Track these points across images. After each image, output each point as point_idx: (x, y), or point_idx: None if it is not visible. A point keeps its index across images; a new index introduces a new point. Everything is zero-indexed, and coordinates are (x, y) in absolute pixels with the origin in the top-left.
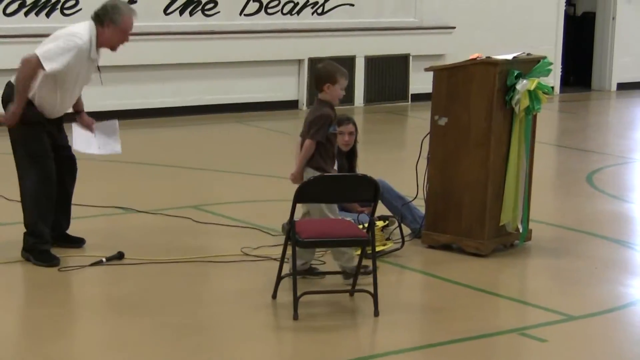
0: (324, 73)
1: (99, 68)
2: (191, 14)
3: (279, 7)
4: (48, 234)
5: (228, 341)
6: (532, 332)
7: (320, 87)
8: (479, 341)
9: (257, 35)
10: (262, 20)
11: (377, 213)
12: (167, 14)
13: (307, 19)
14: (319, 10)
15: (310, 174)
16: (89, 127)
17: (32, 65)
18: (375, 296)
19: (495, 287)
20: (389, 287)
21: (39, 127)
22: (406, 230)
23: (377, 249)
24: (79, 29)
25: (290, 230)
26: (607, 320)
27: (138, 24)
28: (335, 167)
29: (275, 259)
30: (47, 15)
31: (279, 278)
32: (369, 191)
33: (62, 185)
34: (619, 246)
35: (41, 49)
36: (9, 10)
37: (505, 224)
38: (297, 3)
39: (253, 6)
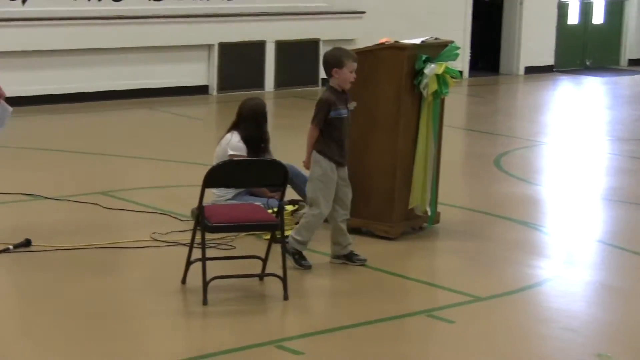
0: (330, 58)
1: None
2: None
3: None
4: None
5: (137, 327)
6: (440, 314)
7: (329, 73)
8: (388, 323)
9: (167, 20)
10: (172, 5)
11: (287, 197)
12: None
13: (217, 3)
14: None
15: (319, 160)
16: None
17: None
18: (284, 280)
19: (404, 269)
20: (299, 271)
21: None
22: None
23: (287, 233)
24: None
25: (199, 215)
26: (513, 300)
27: (46, 9)
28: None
29: (185, 245)
30: None
31: (188, 263)
32: (278, 176)
33: None
34: (526, 228)
35: None
36: None
37: (414, 207)
38: None
39: None
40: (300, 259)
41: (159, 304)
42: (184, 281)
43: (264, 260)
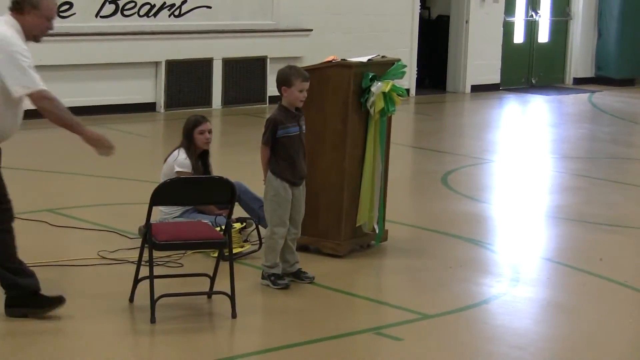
0: (279, 76)
1: None
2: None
3: (136, 9)
4: None
5: (83, 346)
6: (388, 332)
7: (279, 91)
8: (335, 341)
9: (113, 38)
10: (118, 22)
11: (235, 215)
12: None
13: (164, 21)
14: (176, 13)
15: (271, 179)
16: None
17: (52, 100)
18: (232, 298)
19: (351, 287)
20: (247, 289)
21: None
22: (263, 232)
23: (235, 251)
24: (6, 33)
25: (147, 233)
26: (461, 318)
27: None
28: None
29: (132, 262)
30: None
31: (136, 281)
32: (225, 193)
33: None
34: (473, 245)
35: (25, 82)
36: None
37: (361, 224)
38: (154, 5)
39: (109, 8)
40: (276, 279)
41: (106, 322)
42: (131, 299)
43: (212, 278)
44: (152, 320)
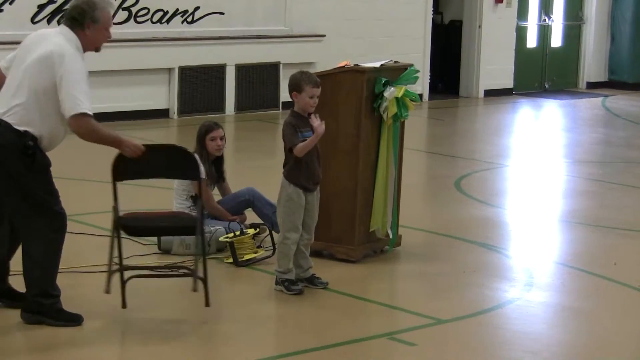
0: (291, 82)
1: None
2: (59, 22)
3: (149, 16)
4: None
5: (96, 352)
6: (402, 337)
7: (291, 97)
8: (349, 346)
9: (126, 44)
10: (131, 29)
11: (248, 221)
12: (34, 23)
13: (177, 27)
14: (189, 19)
15: (284, 185)
16: None
17: (89, 123)
18: (205, 283)
19: (365, 292)
20: (261, 295)
21: (49, 172)
22: (277, 238)
23: (248, 256)
24: (61, 49)
25: (114, 215)
26: (474, 323)
27: (5, 33)
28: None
29: (147, 268)
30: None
31: (110, 273)
32: (189, 166)
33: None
34: (486, 250)
35: (71, 104)
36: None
37: (375, 230)
38: (167, 12)
39: (122, 15)
40: (290, 285)
41: (120, 329)
42: (108, 291)
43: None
44: (123, 305)
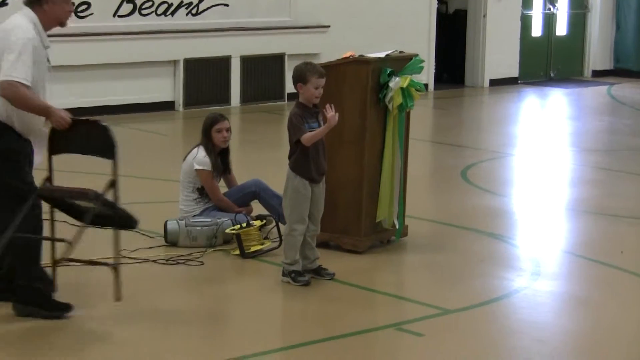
0: (295, 73)
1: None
2: None
3: (153, 8)
4: None
5: (109, 348)
6: (409, 327)
7: (296, 88)
8: (356, 337)
9: (131, 37)
10: (136, 22)
11: (255, 212)
12: None
13: (181, 19)
14: (194, 11)
15: (290, 177)
16: None
17: (16, 90)
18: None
19: (372, 283)
20: (268, 287)
21: (25, 159)
22: (283, 229)
23: (255, 248)
24: (17, 23)
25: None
26: (482, 313)
27: None
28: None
29: (153, 261)
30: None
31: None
32: (103, 141)
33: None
34: (493, 240)
35: (6, 69)
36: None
37: (381, 220)
38: (171, 4)
39: (127, 7)
40: (296, 276)
41: (128, 321)
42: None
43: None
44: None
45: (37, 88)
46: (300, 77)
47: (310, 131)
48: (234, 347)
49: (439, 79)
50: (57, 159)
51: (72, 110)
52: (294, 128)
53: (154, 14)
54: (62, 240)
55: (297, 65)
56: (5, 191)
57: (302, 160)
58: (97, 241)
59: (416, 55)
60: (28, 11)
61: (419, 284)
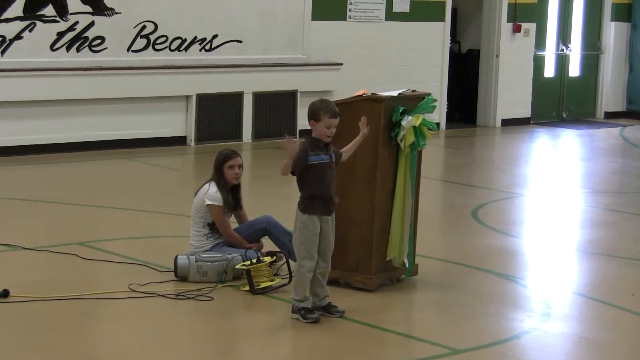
0: (310, 109)
1: None
2: (78, 50)
3: (167, 44)
4: None
5: None
6: None
7: (309, 124)
8: None
9: (145, 72)
10: (150, 57)
11: (265, 249)
12: (53, 50)
13: (195, 55)
14: (207, 47)
15: (299, 214)
16: None
17: None
18: None
19: (381, 321)
20: (277, 323)
21: None
22: (294, 266)
23: (265, 284)
24: None
25: None
26: (491, 353)
27: (25, 60)
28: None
29: (163, 296)
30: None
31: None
32: None
33: None
34: (503, 280)
35: None
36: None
37: (391, 258)
38: (185, 39)
39: (141, 42)
40: (306, 314)
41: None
42: None
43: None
44: None
45: None
46: (314, 114)
47: (314, 162)
48: None
49: (451, 118)
50: None
51: (85, 144)
52: (297, 154)
53: (167, 49)
54: None
55: (313, 101)
56: None
57: (311, 196)
58: (98, 276)
59: (429, 94)
60: None
61: (429, 323)
